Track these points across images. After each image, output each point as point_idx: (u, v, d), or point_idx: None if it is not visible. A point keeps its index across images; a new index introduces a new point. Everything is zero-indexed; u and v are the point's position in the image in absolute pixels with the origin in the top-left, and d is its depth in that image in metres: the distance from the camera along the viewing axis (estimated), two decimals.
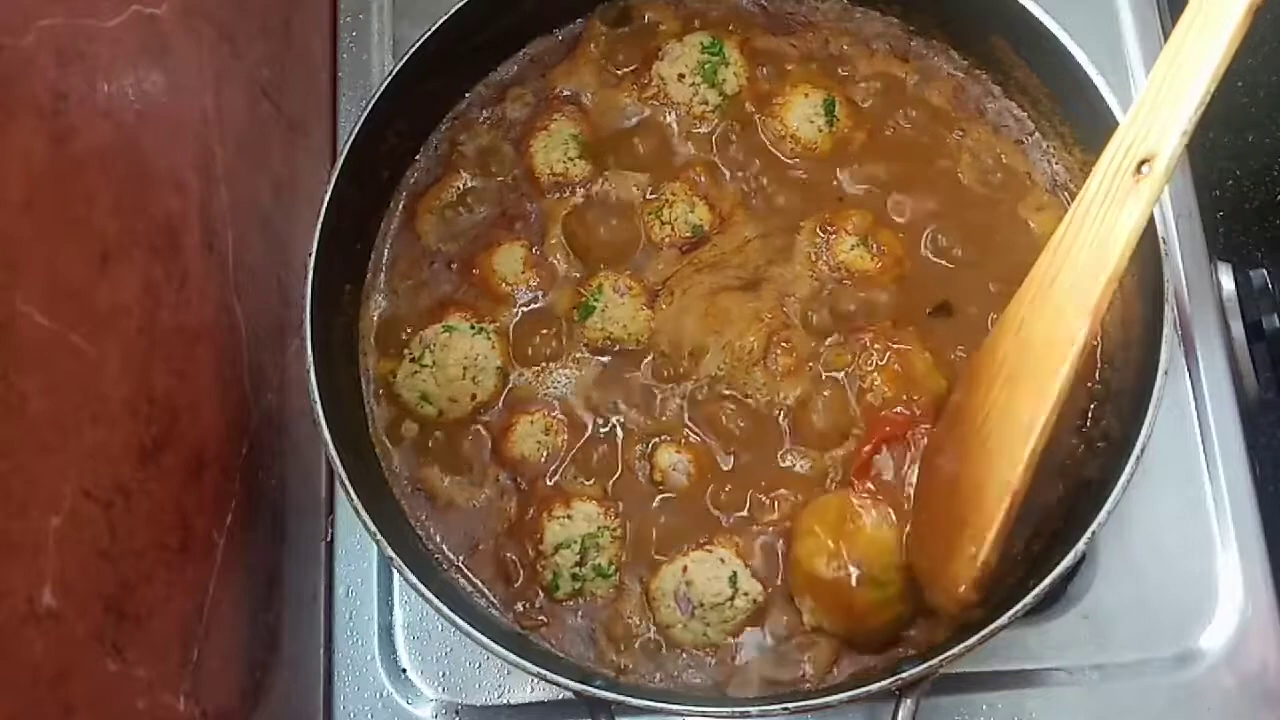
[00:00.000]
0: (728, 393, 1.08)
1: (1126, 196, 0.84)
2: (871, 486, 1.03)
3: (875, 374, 1.07)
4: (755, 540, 1.05)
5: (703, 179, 1.14)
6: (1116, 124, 1.02)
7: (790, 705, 0.96)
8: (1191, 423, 1.17)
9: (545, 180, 1.15)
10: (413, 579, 0.98)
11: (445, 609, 0.97)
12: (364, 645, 1.15)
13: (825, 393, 1.07)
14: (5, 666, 0.71)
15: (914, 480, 1.03)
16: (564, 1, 1.20)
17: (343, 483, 1.00)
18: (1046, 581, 0.96)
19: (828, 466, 1.06)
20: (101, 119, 0.87)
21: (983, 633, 0.95)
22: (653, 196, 1.14)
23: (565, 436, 1.09)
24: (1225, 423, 1.17)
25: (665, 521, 1.06)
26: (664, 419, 1.09)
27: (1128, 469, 0.97)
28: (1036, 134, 1.15)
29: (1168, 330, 0.99)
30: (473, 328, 1.10)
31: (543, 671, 0.97)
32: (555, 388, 1.10)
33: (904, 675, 0.95)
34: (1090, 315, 0.86)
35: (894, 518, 1.02)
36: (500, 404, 1.10)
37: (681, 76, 1.16)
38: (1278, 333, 1.18)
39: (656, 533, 1.06)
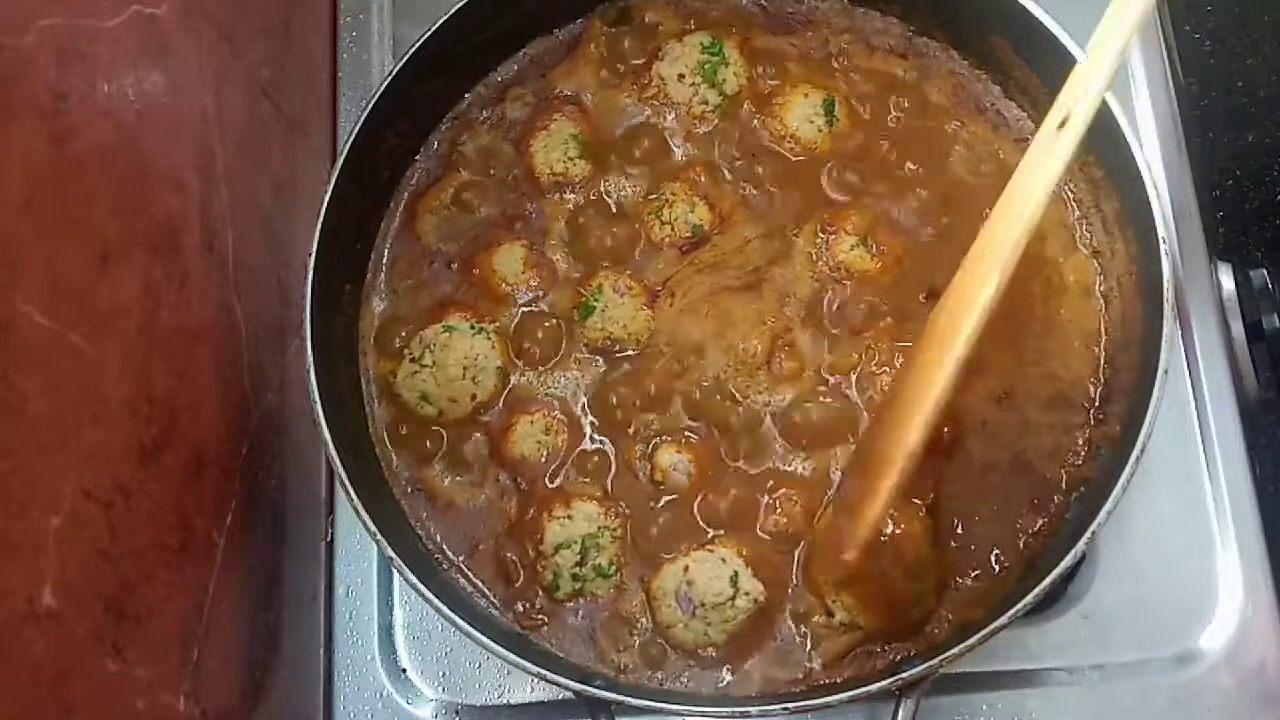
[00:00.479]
0: (730, 393, 1.08)
1: (1046, 158, 0.87)
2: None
3: (882, 375, 1.07)
4: (760, 541, 1.05)
5: (703, 179, 1.14)
6: (1117, 124, 1.03)
7: (790, 705, 0.96)
8: (1191, 423, 1.17)
9: (545, 180, 1.15)
10: (413, 579, 0.98)
11: (445, 609, 0.97)
12: (364, 645, 1.15)
13: (831, 394, 1.08)
14: (5, 666, 0.71)
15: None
16: (564, 1, 1.20)
17: (343, 483, 1.00)
18: (1046, 581, 0.96)
19: (832, 467, 1.06)
20: (101, 119, 0.87)
21: (983, 633, 0.95)
22: (653, 196, 1.14)
23: (565, 436, 1.09)
24: (1225, 423, 1.17)
25: (666, 521, 1.06)
26: (664, 419, 1.09)
27: (1128, 469, 0.97)
28: (1036, 133, 1.15)
29: (1168, 330, 0.99)
30: (473, 328, 1.10)
31: (543, 671, 0.97)
32: (555, 388, 1.10)
33: (904, 675, 0.95)
34: (998, 269, 0.86)
35: (923, 511, 1.03)
36: (500, 404, 1.10)
37: (681, 76, 1.16)
38: (1278, 333, 1.18)
39: (657, 533, 1.06)
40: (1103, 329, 1.10)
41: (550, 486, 1.08)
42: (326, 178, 1.07)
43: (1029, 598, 0.95)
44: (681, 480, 1.06)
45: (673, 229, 1.12)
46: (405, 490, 1.10)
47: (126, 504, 0.85)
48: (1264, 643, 1.12)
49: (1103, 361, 1.09)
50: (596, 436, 1.09)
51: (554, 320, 1.12)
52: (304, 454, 1.17)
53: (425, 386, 1.09)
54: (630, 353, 1.11)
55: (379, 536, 0.99)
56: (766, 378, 1.09)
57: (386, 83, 1.10)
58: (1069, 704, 1.11)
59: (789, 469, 1.07)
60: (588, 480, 1.08)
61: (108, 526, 0.82)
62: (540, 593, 1.06)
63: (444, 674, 1.14)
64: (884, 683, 0.95)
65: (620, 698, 0.98)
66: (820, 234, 1.12)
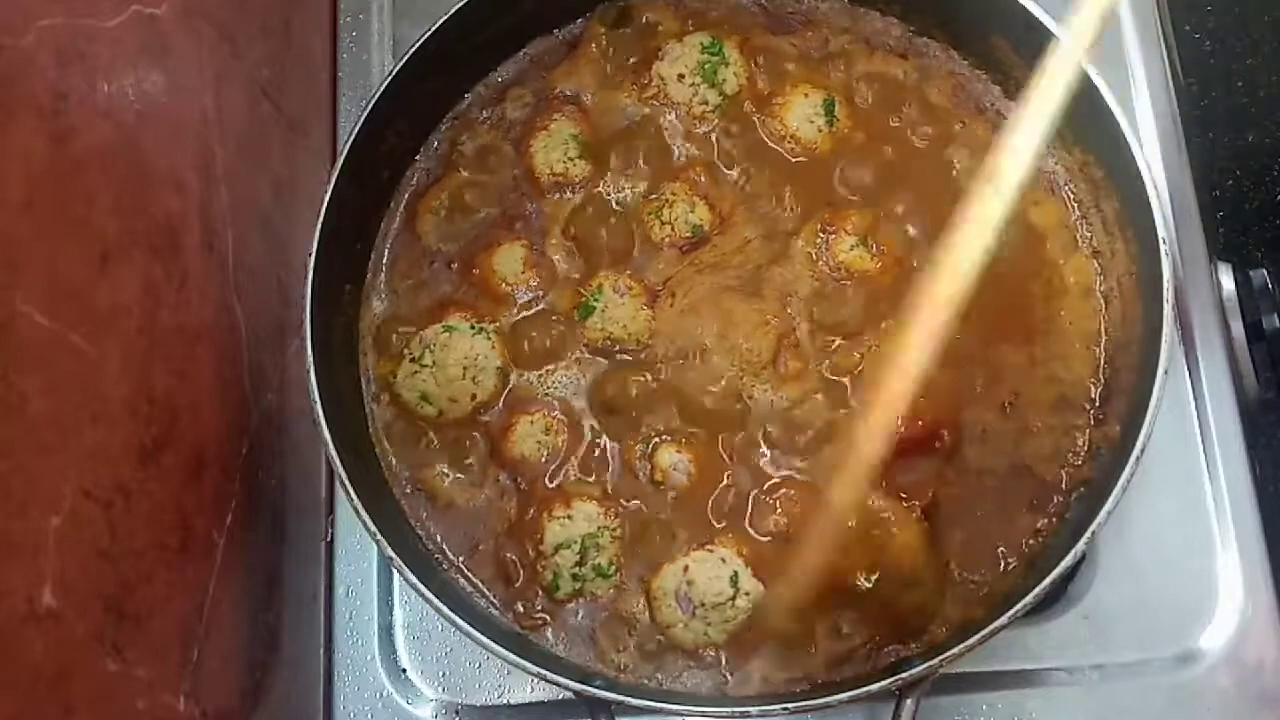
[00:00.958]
0: (732, 393, 1.08)
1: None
2: (888, 486, 1.04)
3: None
4: (760, 541, 1.05)
5: (703, 179, 1.14)
6: (1117, 124, 1.03)
7: (790, 705, 0.96)
8: (1191, 423, 1.17)
9: (545, 180, 1.15)
10: (412, 579, 0.98)
11: (445, 609, 0.97)
12: (364, 645, 1.15)
13: (833, 394, 1.08)
14: (5, 666, 0.71)
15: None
16: (564, 1, 1.20)
17: (343, 483, 1.00)
18: (1046, 581, 0.96)
19: (835, 468, 1.06)
20: (101, 119, 0.87)
21: (983, 633, 0.95)
22: (653, 196, 1.14)
23: (565, 436, 1.09)
24: (1225, 423, 1.17)
25: (666, 521, 1.06)
26: (665, 419, 1.09)
27: (1128, 469, 0.97)
28: None
29: (1168, 330, 0.99)
30: (473, 328, 1.10)
31: (543, 671, 0.97)
32: (555, 388, 1.10)
33: (904, 675, 0.95)
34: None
35: (918, 512, 1.03)
36: (500, 404, 1.10)
37: (681, 77, 1.16)
38: (1278, 333, 1.18)
39: (657, 533, 1.06)
40: (1103, 329, 1.10)
41: (550, 486, 1.08)
42: (326, 178, 1.07)
43: (1029, 598, 0.95)
44: (682, 480, 1.07)
45: (673, 229, 1.12)
46: (405, 490, 1.10)
47: (126, 504, 0.85)
48: (1264, 643, 1.12)
49: (1103, 362, 1.09)
50: (596, 436, 1.09)
51: (554, 320, 1.12)
52: (304, 454, 1.17)
53: (425, 386, 1.09)
54: (630, 353, 1.11)
55: (379, 536, 0.99)
56: (771, 377, 1.09)
57: (386, 83, 1.10)
58: (1069, 704, 1.11)
59: (790, 469, 1.07)
60: (588, 480, 1.08)
61: (108, 526, 0.82)
62: (540, 593, 1.06)
63: (444, 674, 1.14)
64: (884, 683, 0.95)
65: (620, 698, 0.98)
66: (820, 234, 1.12)
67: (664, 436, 1.08)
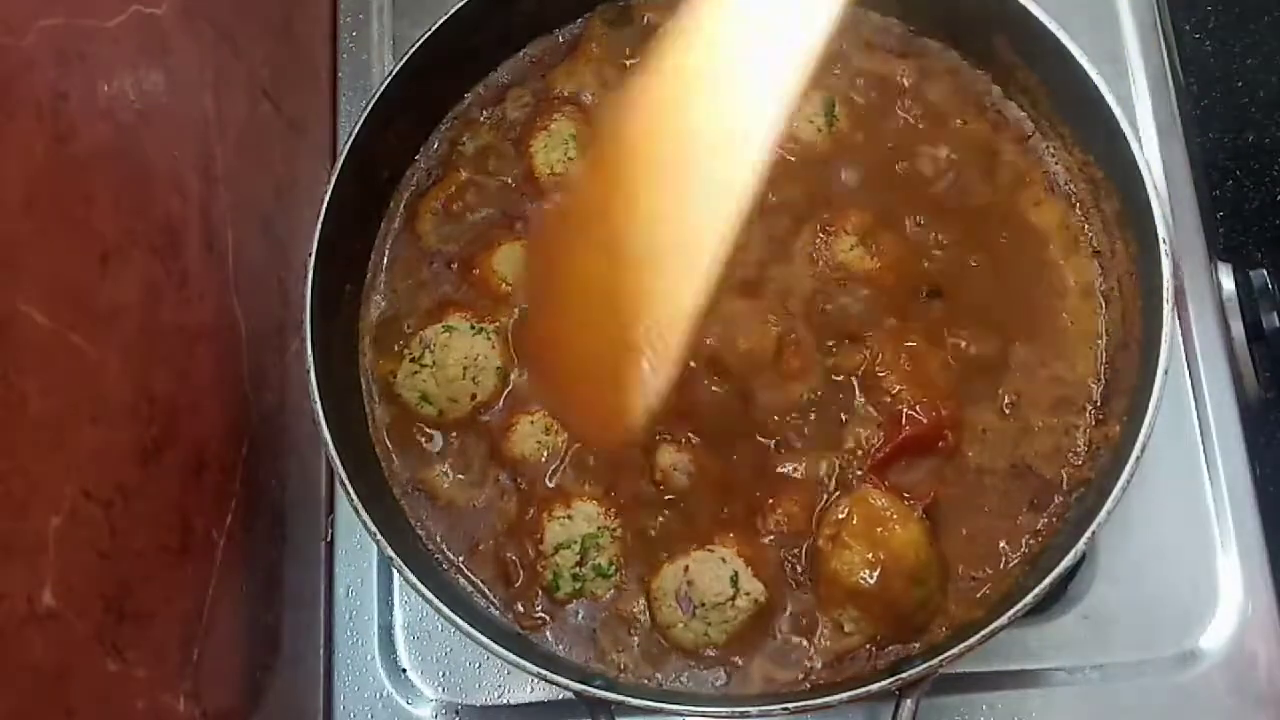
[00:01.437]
0: (733, 393, 1.08)
1: None
2: (890, 484, 1.05)
3: (889, 375, 1.07)
4: (760, 541, 1.05)
5: None
6: (1117, 124, 1.03)
7: (790, 705, 0.96)
8: (1191, 423, 1.17)
9: (545, 180, 1.15)
10: (412, 579, 0.98)
11: (445, 609, 0.97)
12: (364, 645, 1.15)
13: (837, 395, 1.07)
14: (5, 666, 0.71)
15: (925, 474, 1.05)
16: (564, 1, 1.20)
17: (343, 483, 1.00)
18: (1046, 582, 0.96)
19: (836, 468, 1.06)
20: (101, 119, 0.87)
21: (983, 633, 0.95)
22: None
23: (565, 436, 1.09)
24: (1225, 423, 1.17)
25: (666, 521, 1.06)
26: (664, 419, 1.08)
27: (1128, 469, 0.97)
28: (1036, 134, 1.15)
29: (1168, 330, 0.99)
30: (473, 328, 1.10)
31: (543, 672, 0.97)
32: None
33: (904, 675, 0.95)
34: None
35: (920, 511, 1.03)
36: (500, 404, 1.10)
37: None
38: (1278, 333, 1.18)
39: (657, 533, 1.06)
40: (1103, 329, 1.10)
41: (550, 486, 1.08)
42: (326, 178, 1.07)
43: (1029, 598, 0.95)
44: (682, 480, 1.06)
45: None
46: (405, 490, 1.10)
47: (126, 504, 0.85)
48: (1264, 643, 1.12)
49: (1103, 362, 1.09)
50: None
51: None
52: (304, 454, 1.17)
53: (425, 386, 1.09)
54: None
55: (379, 536, 0.99)
56: (773, 376, 1.09)
57: (386, 83, 1.10)
58: (1069, 704, 1.11)
59: (791, 469, 1.07)
60: (588, 480, 1.08)
61: (108, 527, 0.82)
62: (540, 593, 1.06)
63: (444, 674, 1.14)
64: (884, 683, 0.95)
65: (620, 698, 0.98)
66: (820, 234, 1.12)
67: (664, 436, 1.08)
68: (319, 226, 1.05)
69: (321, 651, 1.15)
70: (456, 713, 1.13)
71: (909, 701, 0.98)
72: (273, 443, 1.13)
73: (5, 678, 0.71)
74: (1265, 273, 1.21)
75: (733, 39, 0.77)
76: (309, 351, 1.02)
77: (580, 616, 1.05)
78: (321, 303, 1.05)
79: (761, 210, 1.13)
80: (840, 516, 1.02)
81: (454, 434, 1.10)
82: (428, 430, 1.10)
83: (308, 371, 1.02)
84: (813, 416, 1.07)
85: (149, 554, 0.88)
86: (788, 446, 1.07)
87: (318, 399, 1.02)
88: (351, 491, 1.00)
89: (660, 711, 1.00)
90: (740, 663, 1.03)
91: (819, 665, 1.03)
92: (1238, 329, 1.19)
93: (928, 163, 1.15)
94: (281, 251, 1.16)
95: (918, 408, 1.05)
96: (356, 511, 1.00)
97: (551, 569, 1.05)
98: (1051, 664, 1.12)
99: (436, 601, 0.98)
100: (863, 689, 0.96)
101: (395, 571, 1.01)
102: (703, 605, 1.01)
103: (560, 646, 1.05)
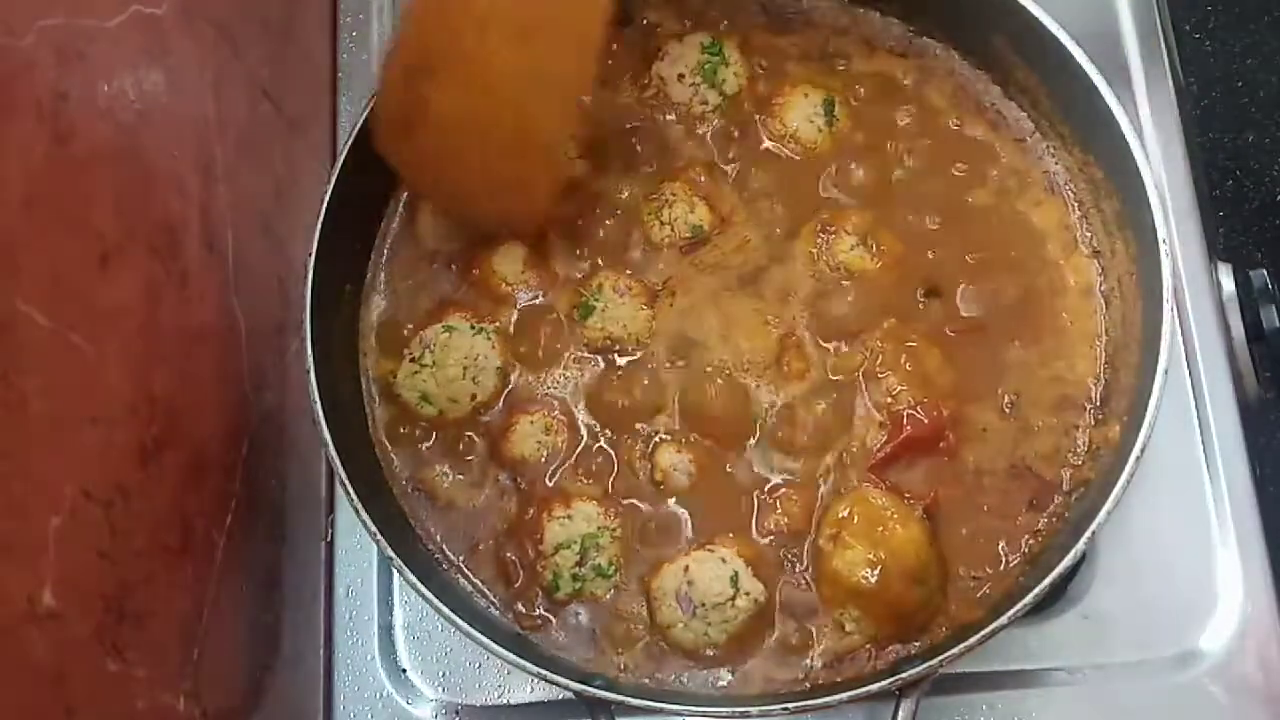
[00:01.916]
0: (733, 393, 1.08)
1: None
2: (890, 484, 1.05)
3: (890, 375, 1.07)
4: (760, 541, 1.05)
5: (703, 179, 1.14)
6: (1117, 124, 1.03)
7: (790, 705, 0.96)
8: (1191, 423, 1.17)
9: None
10: (412, 579, 0.98)
11: (445, 609, 0.97)
12: (364, 645, 1.15)
13: (839, 395, 1.07)
14: (5, 666, 0.71)
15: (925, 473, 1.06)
16: None
17: (342, 483, 1.00)
18: (1046, 582, 0.96)
19: (837, 468, 1.06)
20: (102, 119, 0.87)
21: (983, 633, 0.95)
22: (653, 196, 1.14)
23: (565, 436, 1.09)
24: (1225, 423, 1.17)
25: (666, 521, 1.06)
26: (665, 419, 1.09)
27: (1128, 469, 0.97)
28: (1036, 134, 1.15)
29: (1168, 330, 0.99)
30: (473, 328, 1.10)
31: (543, 672, 0.97)
32: (555, 388, 1.10)
33: (904, 675, 0.95)
34: None
35: (920, 511, 1.03)
36: (500, 404, 1.10)
37: (681, 76, 1.16)
38: (1277, 332, 1.18)
39: (657, 532, 1.06)
40: (1103, 329, 1.10)
41: (550, 486, 1.08)
42: (326, 178, 1.07)
43: (1029, 598, 0.95)
44: (682, 480, 1.06)
45: (673, 229, 1.12)
46: (405, 490, 1.10)
47: (126, 504, 0.85)
48: (1264, 643, 1.12)
49: (1103, 362, 1.09)
50: (596, 436, 1.09)
51: (554, 320, 1.12)
52: (304, 454, 1.17)
53: (425, 386, 1.09)
54: (630, 353, 1.11)
55: (379, 537, 0.99)
56: (775, 377, 1.09)
57: None
58: (1069, 704, 1.11)
59: (791, 469, 1.07)
60: (588, 480, 1.08)
61: (108, 527, 0.82)
62: (540, 593, 1.06)
63: (444, 674, 1.14)
64: (884, 683, 0.95)
65: (620, 698, 0.98)
66: (820, 234, 1.12)
67: (664, 436, 1.08)
68: (319, 226, 1.05)
69: (321, 651, 1.15)
70: (456, 713, 1.13)
71: (909, 701, 0.98)
72: (273, 443, 1.13)
73: (5, 678, 0.70)
74: (1265, 272, 1.21)
75: None
76: (309, 351, 1.02)
77: (580, 617, 1.05)
78: (321, 303, 1.05)
79: (761, 210, 1.14)
80: (842, 516, 1.03)
81: (454, 434, 1.10)
82: (428, 430, 1.10)
83: (307, 371, 1.02)
84: (813, 417, 1.07)
85: (149, 554, 0.88)
86: (788, 446, 1.07)
87: (317, 399, 1.02)
88: (351, 491, 1.00)
89: (660, 711, 1.00)
90: (740, 663, 1.03)
91: (819, 665, 1.03)
92: (1238, 329, 1.19)
93: (928, 163, 1.15)
94: (281, 251, 1.16)
95: (918, 408, 1.06)
96: (356, 511, 1.00)
97: (551, 569, 1.05)
98: (1051, 664, 1.12)
99: (436, 602, 0.98)
100: (863, 689, 0.96)
101: (395, 571, 1.01)
102: (703, 605, 1.01)
103: (560, 647, 1.05)
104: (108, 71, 0.88)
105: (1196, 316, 1.20)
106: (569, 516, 1.05)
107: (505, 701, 1.13)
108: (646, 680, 1.04)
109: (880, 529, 1.01)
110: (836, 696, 0.96)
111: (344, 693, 1.14)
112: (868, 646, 1.02)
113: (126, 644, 0.83)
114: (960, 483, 1.06)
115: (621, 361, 1.10)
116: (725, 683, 1.03)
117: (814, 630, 1.03)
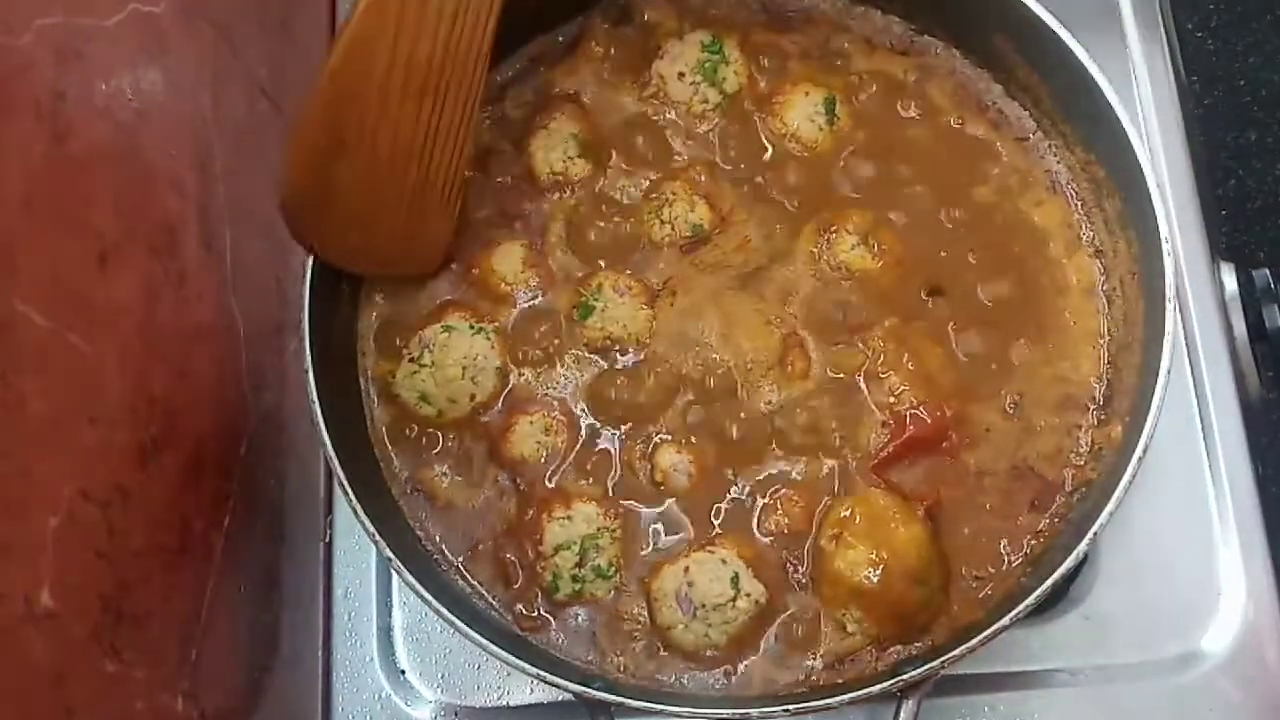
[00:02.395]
0: (734, 393, 1.08)
1: None
2: (892, 484, 1.05)
3: (892, 374, 1.07)
4: (760, 542, 1.05)
5: (703, 178, 1.14)
6: (1119, 123, 1.03)
7: (791, 706, 0.95)
8: (1194, 423, 1.17)
9: (545, 179, 1.15)
10: (411, 580, 0.98)
11: (444, 610, 0.97)
12: (363, 646, 1.15)
13: (841, 395, 1.07)
14: (5, 666, 0.70)
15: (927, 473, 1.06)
16: (564, 1, 1.20)
17: (341, 483, 1.00)
18: (1048, 583, 0.95)
19: (838, 468, 1.06)
20: (100, 118, 0.86)
21: (985, 634, 0.95)
22: (653, 196, 1.14)
23: (565, 437, 1.09)
24: (1227, 423, 1.17)
25: (666, 522, 1.06)
26: (665, 419, 1.08)
27: (1130, 469, 0.96)
28: (1038, 132, 1.15)
29: (1170, 330, 0.99)
30: (472, 328, 1.10)
31: (542, 673, 0.97)
32: (555, 388, 1.10)
33: (905, 676, 0.95)
34: None
35: (922, 511, 1.03)
36: (500, 404, 1.10)
37: (682, 75, 1.16)
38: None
39: (657, 534, 1.06)
40: (1105, 329, 1.09)
41: (550, 487, 1.08)
42: None
43: (1031, 599, 0.95)
44: (682, 481, 1.06)
45: (673, 228, 1.12)
46: (404, 491, 1.10)
47: (125, 504, 0.85)
48: (1266, 644, 1.12)
49: (1105, 362, 1.09)
50: (596, 437, 1.09)
51: (554, 320, 1.11)
52: (303, 454, 1.17)
53: (424, 386, 1.09)
54: (630, 352, 1.10)
55: (377, 537, 0.99)
56: (777, 377, 1.08)
57: None
58: (1070, 705, 1.11)
59: (791, 469, 1.06)
60: (588, 481, 1.07)
61: (106, 527, 0.82)
62: (540, 594, 1.06)
63: (443, 675, 1.14)
64: (885, 684, 0.95)
65: (620, 699, 0.98)
66: (821, 233, 1.11)
67: (664, 437, 1.08)
68: None
69: (320, 652, 1.15)
70: (455, 714, 1.13)
71: (910, 703, 0.97)
72: (271, 443, 1.13)
73: (3, 678, 0.70)
74: (1268, 272, 1.21)
75: None
76: (307, 351, 1.02)
77: (580, 618, 1.05)
78: (320, 302, 1.05)
79: (761, 209, 1.14)
80: (843, 516, 1.02)
81: (453, 434, 1.10)
82: (427, 430, 1.10)
83: (306, 371, 1.02)
84: (815, 417, 1.07)
85: (147, 554, 0.88)
86: (789, 447, 1.07)
87: (316, 399, 1.01)
88: (350, 492, 0.99)
89: (660, 713, 0.99)
90: (741, 664, 1.03)
91: (820, 666, 1.03)
92: (1240, 328, 1.19)
93: (929, 162, 1.15)
94: (280, 251, 1.16)
95: (921, 407, 1.05)
96: (355, 512, 0.99)
97: (551, 570, 1.04)
98: (1053, 665, 1.12)
99: (435, 603, 0.97)
100: (864, 690, 0.95)
101: (394, 572, 1.01)
102: (703, 606, 1.01)
103: (560, 648, 1.04)
104: (106, 70, 0.87)
105: (1199, 316, 1.20)
106: (569, 517, 1.05)
107: (504, 703, 1.13)
108: (646, 681, 1.03)
109: (882, 529, 1.01)
110: (838, 698, 0.96)
111: (342, 694, 1.14)
112: (869, 647, 1.02)
113: (125, 644, 0.83)
114: (962, 483, 1.06)
115: (621, 362, 1.10)
116: (726, 684, 1.03)
117: (815, 631, 1.03)
